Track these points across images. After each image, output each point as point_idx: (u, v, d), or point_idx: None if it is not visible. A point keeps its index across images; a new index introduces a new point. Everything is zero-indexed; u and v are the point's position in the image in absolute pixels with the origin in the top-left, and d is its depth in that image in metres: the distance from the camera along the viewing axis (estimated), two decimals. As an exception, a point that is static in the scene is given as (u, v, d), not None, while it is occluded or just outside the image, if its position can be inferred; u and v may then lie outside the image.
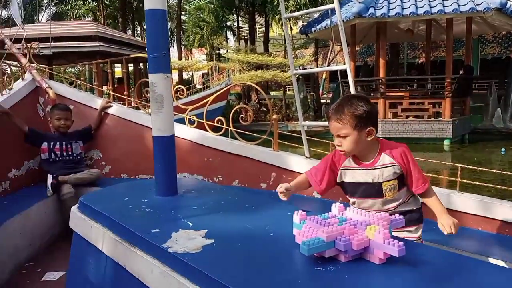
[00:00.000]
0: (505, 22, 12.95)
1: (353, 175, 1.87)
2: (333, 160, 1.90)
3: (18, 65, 4.62)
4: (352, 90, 2.79)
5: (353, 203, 1.92)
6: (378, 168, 1.81)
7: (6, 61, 4.92)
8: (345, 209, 1.52)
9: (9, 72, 4.59)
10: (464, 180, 2.62)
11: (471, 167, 3.02)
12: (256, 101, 18.69)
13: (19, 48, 4.70)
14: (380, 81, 13.57)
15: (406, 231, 1.86)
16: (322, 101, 19.19)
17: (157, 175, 2.08)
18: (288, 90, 21.97)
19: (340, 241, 1.25)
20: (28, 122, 3.81)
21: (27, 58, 4.53)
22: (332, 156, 1.91)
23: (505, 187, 2.90)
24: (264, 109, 18.19)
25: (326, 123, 1.94)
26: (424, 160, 3.68)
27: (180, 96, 3.85)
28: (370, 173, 1.82)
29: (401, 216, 1.46)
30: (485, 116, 15.28)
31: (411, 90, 14.50)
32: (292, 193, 1.91)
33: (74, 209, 2.08)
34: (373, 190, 1.83)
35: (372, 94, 14.43)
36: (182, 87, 3.97)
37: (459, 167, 2.55)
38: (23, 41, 4.71)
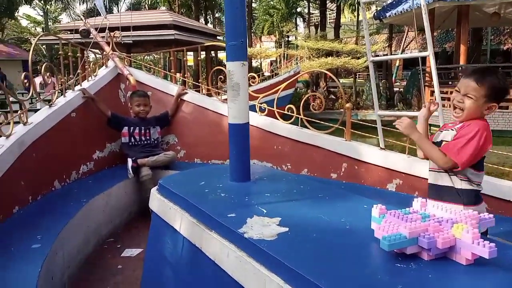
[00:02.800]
0: None
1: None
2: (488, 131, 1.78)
3: (102, 53, 4.92)
4: (435, 79, 2.63)
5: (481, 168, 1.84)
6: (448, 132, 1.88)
7: (92, 49, 5.27)
8: (427, 205, 1.45)
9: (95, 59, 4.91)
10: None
11: None
12: (325, 88, 18.36)
13: (103, 37, 5.00)
14: (460, 68, 12.69)
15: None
16: (395, 89, 18.37)
17: (231, 161, 2.12)
18: (359, 77, 21.32)
19: (424, 238, 1.19)
20: (110, 107, 4.06)
21: (110, 46, 4.81)
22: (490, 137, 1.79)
23: None
24: (333, 97, 17.82)
25: (401, 113, 1.89)
26: (507, 154, 3.41)
27: (252, 84, 3.88)
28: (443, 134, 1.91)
29: (491, 215, 1.36)
30: None
31: (495, 79, 13.39)
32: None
33: (153, 190, 2.18)
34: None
35: (450, 83, 13.56)
36: (254, 74, 4.00)
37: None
38: (106, 30, 5.00)
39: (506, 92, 1.82)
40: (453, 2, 11.55)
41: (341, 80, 23.37)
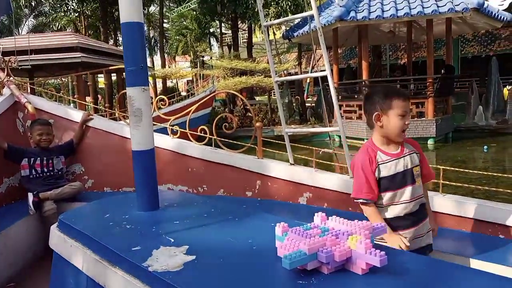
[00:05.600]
0: (483, 21, 13.22)
1: (388, 167, 1.95)
2: (369, 162, 1.94)
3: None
4: (333, 95, 2.79)
5: (389, 200, 1.96)
6: (407, 155, 1.98)
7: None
8: (327, 219, 1.51)
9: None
10: (447, 182, 2.64)
11: (452, 168, 3.06)
12: (242, 106, 18.68)
13: (-4, 63, 4.61)
14: (363, 83, 13.70)
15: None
16: (307, 105, 19.26)
17: (138, 189, 2.05)
18: (273, 95, 22.01)
19: (322, 253, 1.24)
20: (8, 138, 3.73)
21: (5, 72, 4.44)
22: (366, 160, 1.95)
23: (487, 187, 2.94)
24: (250, 114, 18.19)
25: (310, 129, 1.98)
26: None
27: (162, 106, 3.81)
28: (402, 161, 1.96)
29: (383, 224, 1.46)
30: (467, 114, 15.53)
31: (394, 91, 14.64)
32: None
33: (53, 228, 2.03)
34: (407, 177, 1.96)
35: (356, 96, 14.56)
36: (164, 97, 3.93)
37: (441, 169, 2.57)
38: (0, 55, 4.62)
39: None
40: (353, 21, 12.48)
41: (257, 98, 23.95)
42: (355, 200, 1.99)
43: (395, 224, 1.94)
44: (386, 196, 1.95)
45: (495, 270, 2.00)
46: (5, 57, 4.63)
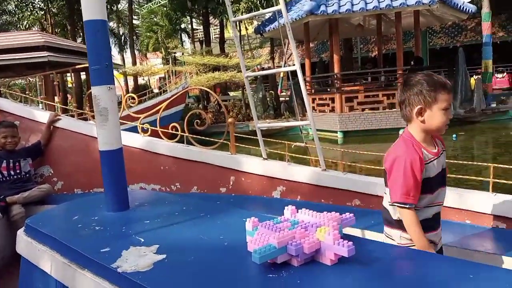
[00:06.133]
0: (450, 13, 13.58)
1: (432, 167, 1.76)
2: (420, 161, 1.71)
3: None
4: (303, 89, 2.81)
5: (427, 202, 1.77)
6: (442, 153, 1.84)
7: None
8: (297, 211, 1.52)
9: None
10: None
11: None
12: (216, 102, 18.60)
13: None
14: (335, 76, 13.85)
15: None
16: (281, 99, 19.34)
17: (106, 190, 2.01)
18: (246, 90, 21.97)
19: (292, 246, 1.25)
20: (-30, 142, 3.59)
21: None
22: (416, 159, 1.71)
23: (454, 175, 3.01)
24: (224, 110, 18.14)
25: (281, 123, 1.96)
26: (378, 153, 3.78)
27: (131, 105, 3.75)
28: (440, 160, 1.81)
29: (352, 214, 1.48)
30: (436, 105, 15.86)
31: (365, 84, 14.91)
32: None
33: (20, 232, 1.97)
34: (443, 178, 1.83)
35: (328, 89, 14.72)
36: (133, 95, 3.87)
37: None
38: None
39: None
40: (323, 15, 12.59)
41: (231, 93, 23.90)
42: (398, 205, 1.71)
43: (427, 225, 1.77)
44: (426, 198, 1.76)
45: (463, 255, 2.07)
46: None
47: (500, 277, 1.18)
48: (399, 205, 1.70)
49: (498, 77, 21.06)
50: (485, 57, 17.84)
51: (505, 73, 21.61)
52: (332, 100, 13.82)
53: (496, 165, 2.61)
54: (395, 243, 1.80)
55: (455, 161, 3.21)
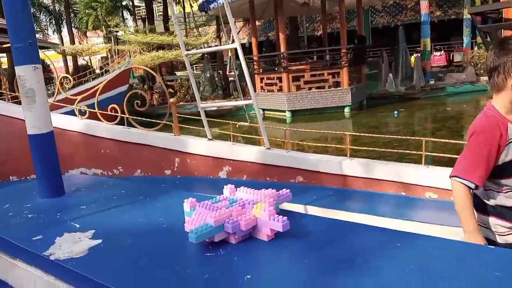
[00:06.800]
0: (389, -8, 13.96)
1: None
2: (500, 138, 1.50)
3: None
4: (244, 68, 2.80)
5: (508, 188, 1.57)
6: None
7: None
8: (236, 190, 1.53)
9: None
10: (355, 147, 2.80)
11: (357, 133, 3.24)
12: (162, 83, 18.12)
13: None
14: (282, 55, 13.93)
15: None
16: (230, 79, 19.21)
17: (38, 176, 1.91)
18: (196, 69, 21.60)
19: (228, 223, 1.26)
20: None
21: None
22: (496, 134, 1.50)
23: (394, 150, 3.15)
24: (171, 90, 17.73)
25: (225, 103, 1.94)
26: (323, 131, 3.88)
27: (67, 86, 3.57)
28: None
29: (288, 190, 1.51)
30: (379, 82, 16.54)
31: (311, 63, 15.14)
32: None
33: None
34: None
35: (276, 69, 14.80)
36: (68, 76, 3.67)
37: (348, 135, 2.72)
38: None
39: None
40: (268, -7, 12.53)
41: (178, 73, 23.37)
42: (456, 179, 1.54)
43: (506, 213, 1.58)
44: (508, 184, 1.56)
45: (395, 225, 2.19)
46: None
47: (426, 245, 1.26)
48: (459, 179, 1.54)
49: (436, 55, 22.14)
50: (423, 36, 18.66)
51: (442, 51, 22.75)
52: (280, 79, 13.92)
53: (428, 138, 2.76)
54: (491, 233, 1.61)
55: (397, 136, 3.37)
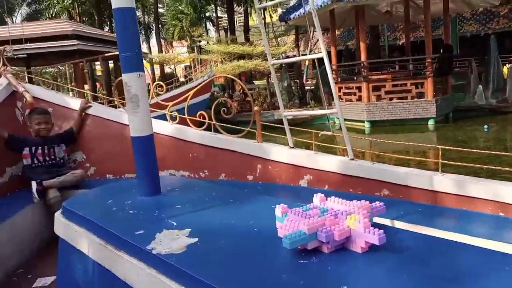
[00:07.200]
0: (481, -1, 13.09)
1: None
2: None
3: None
4: (330, 77, 2.79)
5: None
6: None
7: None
8: (327, 199, 1.53)
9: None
10: (446, 161, 2.66)
11: (451, 148, 3.07)
12: (241, 91, 18.62)
13: (-8, 53, 4.58)
14: (362, 64, 13.63)
15: None
16: (306, 88, 19.18)
17: (138, 175, 2.07)
18: (272, 78, 21.83)
19: (322, 232, 1.26)
20: (7, 128, 3.73)
21: (1, 62, 4.42)
22: None
23: (486, 166, 2.95)
24: (250, 99, 18.13)
25: (308, 111, 1.95)
26: (407, 143, 3.73)
27: (160, 92, 3.81)
28: None
29: (382, 203, 1.48)
30: (467, 94, 15.47)
31: (393, 72, 14.61)
32: None
33: (57, 214, 2.06)
34: None
35: (355, 78, 14.51)
36: (161, 83, 3.92)
37: (440, 149, 2.58)
38: (-5, 45, 4.60)
39: None
40: (349, 2, 12.36)
41: (256, 82, 23.85)
42: None
43: None
44: None
45: (492, 246, 2.04)
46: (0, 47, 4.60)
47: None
48: None
49: (532, 66, 20.24)
50: (519, 45, 17.17)
51: (540, 62, 20.75)
52: (359, 89, 13.62)
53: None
54: None
55: (488, 152, 3.14)
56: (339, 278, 1.14)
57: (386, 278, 1.15)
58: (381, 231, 1.23)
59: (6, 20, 22.98)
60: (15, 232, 3.16)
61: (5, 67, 4.38)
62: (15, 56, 4.91)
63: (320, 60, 2.94)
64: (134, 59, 1.98)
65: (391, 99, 13.26)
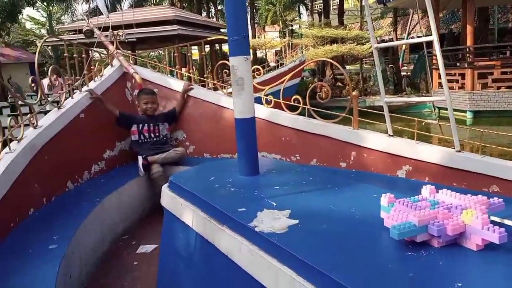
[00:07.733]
0: None
1: None
2: None
3: (107, 53, 4.94)
4: (440, 63, 2.60)
5: None
6: None
7: (96, 49, 5.29)
8: (437, 192, 1.45)
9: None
10: None
11: None
12: (331, 76, 18.24)
13: (106, 36, 5.02)
14: (467, 49, 12.52)
15: None
16: (402, 73, 18.18)
17: (239, 155, 2.13)
18: (365, 63, 21.09)
19: (434, 225, 1.20)
20: (118, 106, 4.09)
21: (114, 45, 4.82)
22: None
23: None
24: (340, 84, 17.71)
25: (411, 98, 1.85)
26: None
27: (256, 76, 3.88)
28: None
29: (501, 200, 1.36)
30: None
31: (503, 59, 13.21)
32: None
33: (164, 187, 2.21)
34: None
35: (458, 64, 13.40)
36: (259, 67, 3.99)
37: None
38: (110, 29, 5.02)
39: None
40: (457, -19, 11.36)
41: (347, 67, 23.18)
42: None
43: None
44: None
45: None
46: (114, 31, 5.01)
47: None
48: None
49: None
50: None
51: None
52: (462, 76, 12.56)
53: None
54: None
55: None
56: (453, 275, 1.07)
57: (505, 279, 1.06)
58: (503, 229, 1.13)
59: (117, 7, 25.00)
60: (123, 201, 3.48)
61: (118, 50, 4.78)
62: (126, 40, 5.33)
63: (426, 43, 2.75)
64: (242, 42, 2.03)
65: (498, 88, 12.05)
